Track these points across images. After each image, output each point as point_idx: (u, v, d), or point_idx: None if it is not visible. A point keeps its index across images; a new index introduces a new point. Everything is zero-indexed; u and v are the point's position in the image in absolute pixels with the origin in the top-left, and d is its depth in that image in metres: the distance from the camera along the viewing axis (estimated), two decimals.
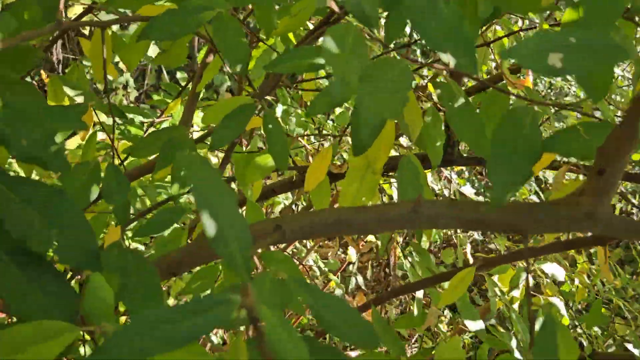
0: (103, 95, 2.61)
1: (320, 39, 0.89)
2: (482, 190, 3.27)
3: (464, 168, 2.93)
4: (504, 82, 0.83)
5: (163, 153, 0.77)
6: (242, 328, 0.40)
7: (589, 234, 0.73)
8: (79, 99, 0.81)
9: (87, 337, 0.64)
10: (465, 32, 0.47)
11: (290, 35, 1.07)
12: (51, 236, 0.47)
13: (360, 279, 2.73)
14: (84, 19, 0.90)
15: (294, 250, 2.60)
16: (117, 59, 1.19)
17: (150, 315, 0.31)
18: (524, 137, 0.46)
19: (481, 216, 0.51)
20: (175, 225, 1.47)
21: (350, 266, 2.68)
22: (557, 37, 0.38)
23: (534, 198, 2.46)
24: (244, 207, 1.13)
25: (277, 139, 0.63)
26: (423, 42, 0.57)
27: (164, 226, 0.66)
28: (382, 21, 0.63)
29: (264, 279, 0.39)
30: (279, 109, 1.50)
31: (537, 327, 1.26)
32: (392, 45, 0.78)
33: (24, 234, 0.46)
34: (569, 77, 3.50)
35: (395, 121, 0.69)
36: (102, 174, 0.60)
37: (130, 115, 1.54)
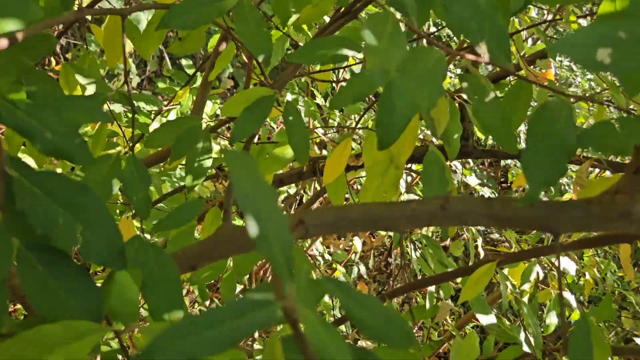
0: (120, 82, 2.59)
1: (337, 31, 0.87)
2: (486, 180, 3.27)
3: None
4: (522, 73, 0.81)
5: (178, 144, 0.75)
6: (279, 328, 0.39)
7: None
8: (91, 88, 0.80)
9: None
10: (499, 23, 0.46)
11: (304, 26, 1.05)
12: (76, 232, 0.45)
13: (362, 268, 2.73)
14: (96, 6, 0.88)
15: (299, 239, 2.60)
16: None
17: (194, 318, 0.30)
18: (558, 132, 0.45)
19: (512, 214, 0.50)
20: None
21: (353, 255, 2.68)
22: (606, 31, 0.37)
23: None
24: None
25: (297, 130, 0.62)
26: (449, 32, 0.55)
27: (184, 221, 0.65)
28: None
29: (299, 278, 0.38)
30: (288, 98, 1.49)
31: (548, 320, 1.25)
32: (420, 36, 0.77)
33: (48, 230, 0.44)
34: (574, 68, 3.48)
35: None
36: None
37: (137, 104, 1.52)
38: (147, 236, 1.91)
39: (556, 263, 1.27)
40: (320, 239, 2.55)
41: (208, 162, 0.79)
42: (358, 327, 0.40)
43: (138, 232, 1.50)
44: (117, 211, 1.15)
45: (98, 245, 0.45)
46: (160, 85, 1.95)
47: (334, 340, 0.32)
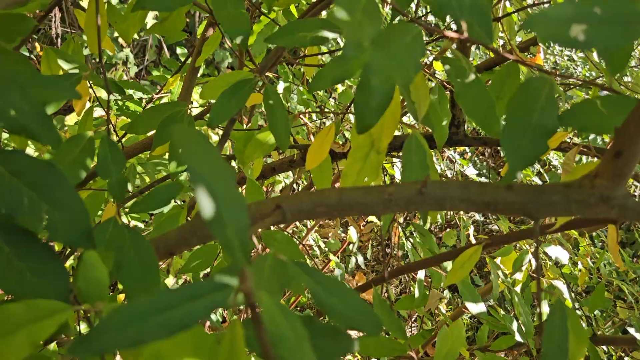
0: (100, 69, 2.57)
1: (324, 13, 0.86)
2: (484, 171, 3.26)
3: (466, 149, 2.91)
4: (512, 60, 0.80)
5: (161, 129, 0.74)
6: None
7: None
8: (74, 72, 0.79)
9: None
10: (481, 1, 0.45)
11: (293, 8, 1.04)
12: (42, 212, 0.45)
13: (360, 258, 2.73)
14: None
15: (295, 229, 2.59)
16: (116, 34, 1.15)
17: (146, 300, 0.29)
18: (540, 109, 0.44)
19: (490, 198, 0.49)
20: (174, 203, 1.46)
21: (351, 246, 2.67)
22: (580, 7, 0.36)
23: (537, 180, 2.44)
24: (244, 186, 1.11)
25: (278, 115, 0.61)
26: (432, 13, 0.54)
27: (162, 203, 0.64)
28: None
29: (264, 261, 0.37)
30: (281, 86, 1.47)
31: (543, 310, 1.24)
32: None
33: (13, 210, 0.44)
34: (574, 58, 3.46)
35: (401, 98, 0.66)
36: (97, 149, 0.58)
37: (129, 91, 1.52)
38: (141, 225, 1.90)
39: (547, 252, 1.26)
40: (317, 227, 2.54)
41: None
42: (325, 313, 0.39)
43: (126, 219, 1.50)
44: (106, 197, 1.14)
45: (64, 225, 0.44)
46: (155, 73, 1.94)
47: (291, 325, 0.31)
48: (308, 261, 2.29)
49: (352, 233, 2.21)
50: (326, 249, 2.23)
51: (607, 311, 2.18)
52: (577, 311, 1.91)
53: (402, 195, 0.50)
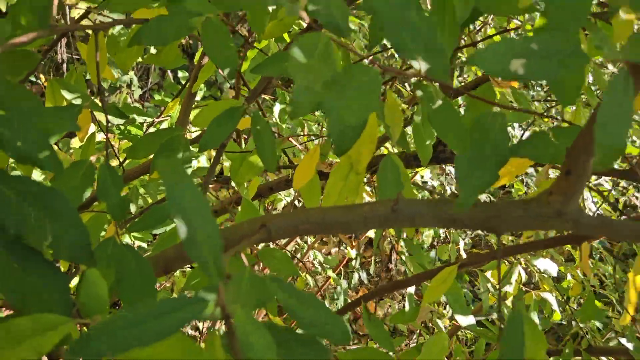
0: (106, 95, 2.64)
1: None
2: None
3: None
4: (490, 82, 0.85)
5: (159, 154, 0.79)
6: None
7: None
8: (77, 102, 0.84)
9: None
10: (438, 40, 0.49)
11: (285, 35, 1.09)
12: (46, 231, 0.49)
13: (363, 274, 2.76)
14: (83, 22, 0.93)
15: (296, 246, 2.63)
16: None
17: (133, 311, 0.33)
18: (492, 142, 0.48)
19: (456, 215, 0.53)
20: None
21: (353, 261, 2.70)
22: (520, 44, 0.40)
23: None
24: (240, 206, 1.15)
25: (265, 140, 0.66)
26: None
27: (159, 221, 0.68)
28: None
29: (241, 278, 0.41)
30: (277, 108, 1.53)
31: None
32: (367, 52, 0.80)
33: (20, 230, 0.48)
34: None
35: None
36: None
37: (132, 112, 1.57)
38: (145, 245, 1.94)
39: (536, 264, 1.30)
40: (317, 244, 2.57)
41: (188, 171, 0.83)
42: (299, 325, 0.44)
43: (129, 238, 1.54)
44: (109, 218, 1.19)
45: (67, 244, 0.49)
46: (156, 97, 1.99)
47: (260, 335, 0.35)
48: (309, 278, 2.33)
49: (351, 249, 2.25)
50: (326, 265, 2.27)
51: (611, 323, 2.20)
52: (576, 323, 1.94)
53: (376, 214, 0.55)
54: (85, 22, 0.88)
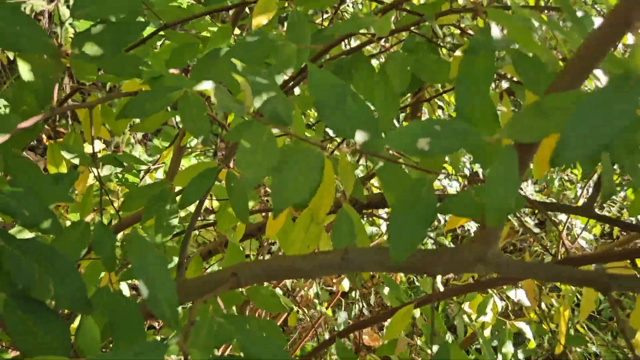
0: (111, 137, 2.74)
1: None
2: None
3: None
4: None
5: (148, 207, 0.89)
6: None
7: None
8: (75, 161, 0.95)
9: None
10: (372, 119, 0.58)
11: None
12: (49, 285, 0.59)
13: (363, 305, 2.83)
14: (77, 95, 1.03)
15: (294, 281, 2.71)
16: None
17: (115, 354, 0.43)
18: (421, 204, 0.57)
19: (397, 263, 0.62)
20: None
21: (353, 293, 2.77)
22: (426, 125, 0.50)
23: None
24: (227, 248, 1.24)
25: (238, 196, 0.76)
26: None
27: None
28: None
29: (202, 325, 0.50)
30: None
31: (504, 349, 1.35)
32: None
33: (27, 284, 0.58)
34: None
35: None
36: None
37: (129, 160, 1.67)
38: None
39: (510, 295, 1.38)
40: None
41: (175, 221, 0.92)
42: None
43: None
44: None
45: (66, 296, 0.58)
46: (155, 141, 2.10)
47: None
48: (306, 311, 2.41)
49: (345, 283, 2.33)
50: (318, 301, 2.34)
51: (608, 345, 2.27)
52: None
53: (329, 262, 0.64)
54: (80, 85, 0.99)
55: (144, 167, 1.71)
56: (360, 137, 0.58)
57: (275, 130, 0.55)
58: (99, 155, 0.99)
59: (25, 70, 0.71)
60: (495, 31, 0.56)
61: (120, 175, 1.50)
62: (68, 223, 1.60)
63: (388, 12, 0.82)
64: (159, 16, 0.95)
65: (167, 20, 0.97)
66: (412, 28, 0.83)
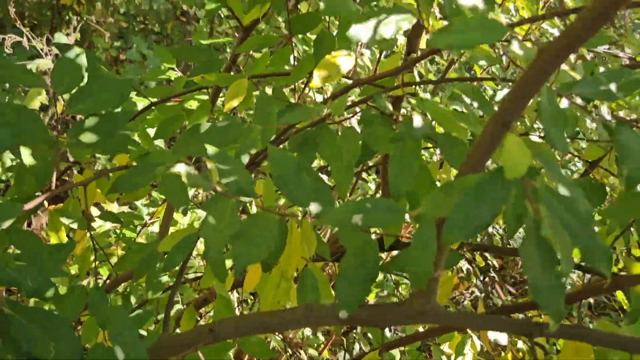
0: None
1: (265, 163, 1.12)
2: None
3: None
4: None
5: (139, 267, 0.99)
6: None
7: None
8: (74, 226, 1.05)
9: None
10: (325, 191, 0.69)
11: None
12: (49, 347, 0.68)
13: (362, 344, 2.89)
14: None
15: None
16: None
17: None
18: (366, 265, 0.67)
19: (350, 317, 0.72)
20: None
21: (354, 331, 2.84)
22: (359, 204, 0.60)
23: None
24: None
25: (217, 263, 0.86)
26: None
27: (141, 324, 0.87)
28: None
29: None
30: None
31: None
32: None
33: (30, 346, 0.67)
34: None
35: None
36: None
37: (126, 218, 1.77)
38: None
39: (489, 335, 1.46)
40: None
41: (165, 278, 1.02)
42: None
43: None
44: None
45: (65, 354, 0.68)
46: (154, 194, 2.20)
47: None
48: (303, 354, 2.47)
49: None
50: (313, 345, 2.41)
51: None
52: None
53: (292, 318, 0.74)
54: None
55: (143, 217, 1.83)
56: (314, 207, 0.68)
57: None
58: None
59: (26, 155, 0.81)
60: (417, 121, 0.67)
61: (118, 231, 1.60)
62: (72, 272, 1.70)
63: (349, 89, 0.93)
64: (147, 96, 1.06)
65: (154, 97, 1.08)
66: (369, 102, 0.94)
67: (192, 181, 0.69)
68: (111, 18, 4.25)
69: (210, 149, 0.73)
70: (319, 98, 1.64)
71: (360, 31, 0.58)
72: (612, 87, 0.63)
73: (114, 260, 1.57)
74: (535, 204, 0.46)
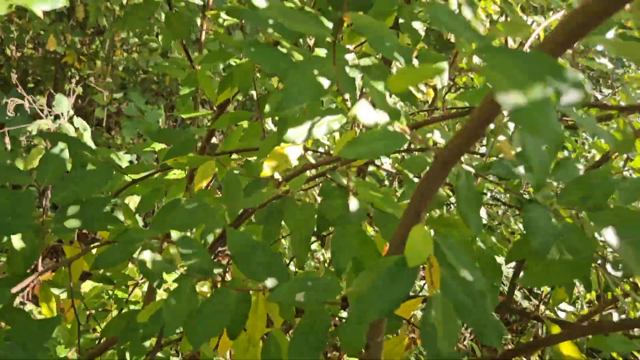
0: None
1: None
2: None
3: None
4: None
5: (122, 335, 1.07)
6: None
7: None
8: (63, 295, 1.14)
9: None
10: (280, 267, 0.78)
11: None
12: None
13: None
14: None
15: None
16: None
17: None
18: (315, 334, 0.75)
19: None
20: None
21: None
22: (301, 281, 0.69)
23: None
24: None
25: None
26: None
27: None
28: None
29: None
30: None
31: None
32: None
33: None
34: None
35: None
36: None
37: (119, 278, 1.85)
38: None
39: None
40: None
41: (147, 344, 1.11)
42: None
43: None
44: None
45: None
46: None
47: None
48: None
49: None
50: None
51: None
52: None
53: None
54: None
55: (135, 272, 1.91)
56: (270, 282, 0.77)
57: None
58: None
59: (16, 239, 0.91)
60: (353, 205, 0.76)
61: (110, 292, 1.69)
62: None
63: (304, 171, 1.02)
64: (128, 174, 1.16)
65: (134, 173, 1.18)
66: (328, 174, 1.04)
67: (155, 267, 0.78)
68: (109, 79, 4.40)
69: (174, 234, 0.82)
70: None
71: (297, 134, 0.68)
72: (520, 169, 0.72)
73: (109, 317, 1.65)
74: (431, 287, 0.55)
